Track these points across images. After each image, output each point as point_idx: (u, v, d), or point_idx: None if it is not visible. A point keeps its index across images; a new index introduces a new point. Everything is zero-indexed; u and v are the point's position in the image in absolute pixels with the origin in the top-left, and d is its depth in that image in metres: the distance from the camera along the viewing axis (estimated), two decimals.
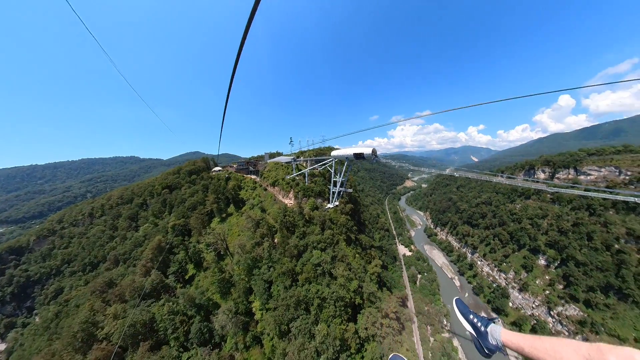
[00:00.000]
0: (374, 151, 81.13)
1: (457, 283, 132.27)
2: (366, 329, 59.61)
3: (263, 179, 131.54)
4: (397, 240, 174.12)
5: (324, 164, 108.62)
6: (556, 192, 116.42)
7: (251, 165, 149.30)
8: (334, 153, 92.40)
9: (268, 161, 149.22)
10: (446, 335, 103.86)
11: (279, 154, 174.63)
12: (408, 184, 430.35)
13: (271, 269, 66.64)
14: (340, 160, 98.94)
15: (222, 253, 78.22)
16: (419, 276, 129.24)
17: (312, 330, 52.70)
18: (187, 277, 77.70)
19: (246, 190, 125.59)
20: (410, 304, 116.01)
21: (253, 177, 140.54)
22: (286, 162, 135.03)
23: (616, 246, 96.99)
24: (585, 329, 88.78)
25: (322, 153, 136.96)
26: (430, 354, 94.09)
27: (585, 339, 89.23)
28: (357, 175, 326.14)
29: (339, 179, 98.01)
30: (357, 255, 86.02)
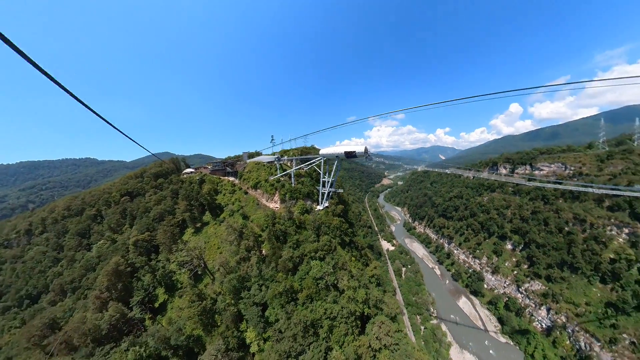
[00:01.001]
0: (366, 149, 71.57)
1: (438, 272, 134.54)
2: (378, 339, 52.11)
3: (243, 181, 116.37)
4: (379, 236, 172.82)
5: (311, 164, 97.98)
6: (543, 186, 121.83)
7: (229, 165, 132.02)
8: (323, 151, 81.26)
9: (247, 161, 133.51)
10: (434, 321, 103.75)
11: (258, 154, 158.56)
12: (385, 181, 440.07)
13: (263, 289, 55.14)
14: (329, 159, 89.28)
15: (199, 273, 63.90)
16: (404, 269, 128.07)
17: (328, 359, 43.23)
18: (156, 305, 62.09)
19: (224, 195, 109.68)
20: (399, 296, 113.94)
21: (231, 179, 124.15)
22: (268, 162, 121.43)
23: (566, 229, 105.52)
24: (547, 300, 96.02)
25: (307, 152, 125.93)
26: (422, 342, 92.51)
27: (548, 309, 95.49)
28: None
29: (328, 179, 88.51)
30: (352, 258, 78.33)
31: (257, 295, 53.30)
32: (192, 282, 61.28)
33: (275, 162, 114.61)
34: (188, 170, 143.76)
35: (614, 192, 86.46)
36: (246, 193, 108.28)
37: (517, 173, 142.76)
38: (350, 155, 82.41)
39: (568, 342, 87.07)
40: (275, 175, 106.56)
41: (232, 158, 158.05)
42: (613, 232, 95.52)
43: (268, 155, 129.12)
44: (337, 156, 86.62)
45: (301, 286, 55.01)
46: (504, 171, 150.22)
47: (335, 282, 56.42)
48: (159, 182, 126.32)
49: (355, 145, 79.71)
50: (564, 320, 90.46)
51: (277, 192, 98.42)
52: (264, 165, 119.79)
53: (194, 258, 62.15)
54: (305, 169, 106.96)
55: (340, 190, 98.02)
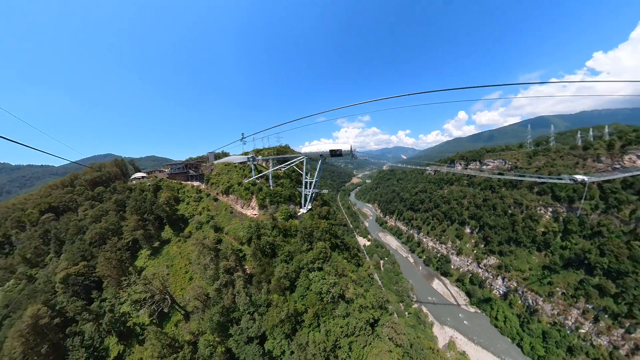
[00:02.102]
0: (351, 148, 64.33)
1: (411, 260, 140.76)
2: (392, 339, 46.71)
3: (211, 185, 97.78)
4: (355, 233, 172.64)
5: (291, 163, 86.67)
6: (490, 177, 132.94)
7: (192, 168, 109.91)
8: (305, 150, 70.34)
9: (215, 162, 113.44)
10: (416, 305, 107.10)
11: (225, 154, 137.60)
12: (354, 180, 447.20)
13: (257, 318, 43.70)
14: (311, 159, 79.52)
15: (165, 311, 48.07)
16: (382, 262, 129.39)
17: None
18: None
19: (188, 204, 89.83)
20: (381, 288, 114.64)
21: (196, 183, 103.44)
22: (240, 163, 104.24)
23: (509, 211, 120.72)
24: (501, 271, 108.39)
25: (283, 151, 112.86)
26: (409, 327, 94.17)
27: (503, 278, 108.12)
28: None
29: (311, 180, 78.86)
30: (345, 261, 71.78)
31: (250, 328, 41.78)
32: (156, 328, 45.37)
33: (249, 163, 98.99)
34: (138, 175, 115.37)
35: (540, 181, 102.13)
36: (216, 200, 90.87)
37: (470, 168, 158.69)
38: (335, 153, 74.84)
39: (520, 301, 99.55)
40: (250, 177, 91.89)
41: (195, 159, 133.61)
42: (541, 212, 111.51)
43: (239, 155, 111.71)
44: (321, 155, 77.93)
45: (305, 305, 45.54)
46: (459, 167, 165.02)
47: (342, 292, 48.65)
48: (97, 192, 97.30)
49: (342, 144, 73.45)
50: (515, 285, 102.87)
51: (253, 196, 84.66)
52: (235, 166, 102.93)
53: (156, 292, 46.19)
54: (284, 169, 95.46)
55: (325, 191, 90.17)
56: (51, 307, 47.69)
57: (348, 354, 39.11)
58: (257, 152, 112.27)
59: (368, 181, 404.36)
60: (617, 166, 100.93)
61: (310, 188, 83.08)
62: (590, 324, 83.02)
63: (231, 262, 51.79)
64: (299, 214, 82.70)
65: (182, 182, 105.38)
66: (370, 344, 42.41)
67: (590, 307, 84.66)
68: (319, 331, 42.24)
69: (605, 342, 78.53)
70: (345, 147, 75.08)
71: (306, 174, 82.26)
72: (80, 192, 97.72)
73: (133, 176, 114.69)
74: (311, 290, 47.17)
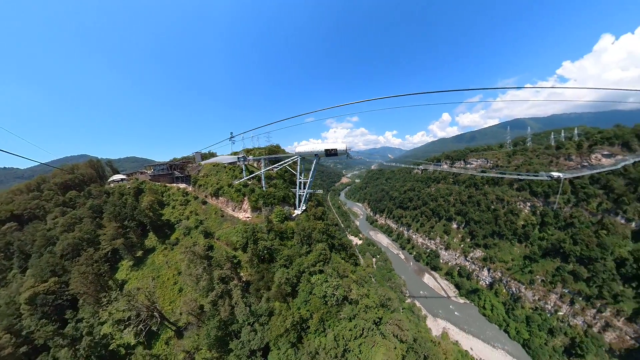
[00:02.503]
0: (347, 147, 62.51)
1: (402, 256, 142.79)
2: (395, 336, 45.66)
3: (198, 187, 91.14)
4: (347, 232, 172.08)
5: (284, 163, 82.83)
6: (474, 174, 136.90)
7: (177, 169, 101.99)
8: (299, 149, 67.14)
9: (202, 163, 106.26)
10: (409, 300, 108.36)
11: (212, 155, 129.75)
12: (344, 180, 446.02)
13: (259, 329, 40.16)
14: (305, 158, 76.36)
15: (155, 329, 42.94)
16: (374, 259, 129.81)
17: None
18: None
19: (174, 208, 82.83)
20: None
21: (182, 186, 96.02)
22: (230, 163, 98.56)
23: (492, 207, 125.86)
24: (487, 263, 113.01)
25: (275, 151, 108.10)
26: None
27: (488, 269, 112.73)
28: None
29: (305, 180, 75.94)
30: (343, 261, 69.60)
31: (252, 341, 38.23)
32: (144, 347, 40.28)
33: (240, 163, 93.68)
34: (117, 177, 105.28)
35: (521, 178, 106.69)
36: (205, 203, 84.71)
37: (455, 166, 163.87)
38: (330, 153, 71.68)
39: (505, 290, 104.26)
40: (241, 178, 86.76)
41: (180, 160, 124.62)
42: (521, 206, 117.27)
43: (229, 155, 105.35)
44: (315, 154, 74.74)
45: (309, 311, 42.67)
46: (445, 166, 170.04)
47: (346, 294, 46.37)
48: (69, 197, 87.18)
49: (337, 143, 70.11)
50: (500, 275, 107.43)
51: (245, 198, 79.82)
52: (225, 167, 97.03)
53: (142, 308, 40.97)
54: (276, 170, 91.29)
55: (319, 191, 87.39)
56: (16, 333, 40.75)
57: (358, 356, 37.12)
58: (248, 152, 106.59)
59: (357, 181, 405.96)
60: (586, 164, 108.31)
61: (304, 188, 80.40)
62: (567, 307, 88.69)
63: (226, 271, 47.57)
64: (294, 215, 79.85)
65: (167, 184, 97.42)
66: (377, 343, 40.93)
67: (566, 291, 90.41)
68: (325, 336, 39.75)
69: (580, 322, 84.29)
70: (340, 147, 72.84)
71: (300, 174, 79.64)
72: (49, 198, 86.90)
73: (111, 178, 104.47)
74: (314, 294, 44.44)
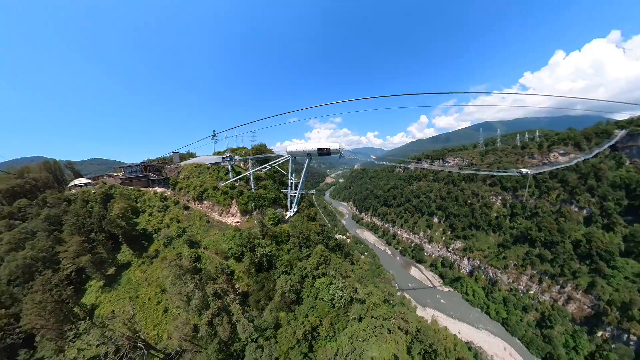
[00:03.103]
0: (339, 146, 59.70)
1: (389, 252, 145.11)
2: (401, 329, 44.45)
3: (179, 191, 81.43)
4: (334, 231, 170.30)
5: (274, 163, 77.42)
6: (452, 171, 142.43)
7: (153, 170, 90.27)
8: (291, 148, 62.72)
9: (182, 164, 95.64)
10: (399, 293, 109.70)
11: (192, 155, 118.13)
12: (328, 180, 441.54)
13: (265, 344, 35.20)
14: (297, 158, 71.75)
15: None
16: (362, 257, 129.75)
17: None
18: None
19: (150, 215, 72.56)
20: None
21: (159, 190, 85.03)
22: (213, 164, 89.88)
23: (469, 201, 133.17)
24: (466, 252, 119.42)
25: (262, 151, 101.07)
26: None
27: (468, 258, 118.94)
28: None
29: (298, 180, 71.56)
30: (340, 260, 66.61)
31: (260, 359, 33.29)
32: None
33: (225, 164, 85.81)
34: (79, 181, 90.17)
35: (494, 174, 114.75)
36: (187, 208, 75.72)
37: (433, 165, 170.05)
38: (323, 152, 68.30)
39: (483, 276, 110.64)
40: (227, 180, 79.27)
41: (155, 161, 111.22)
42: (493, 200, 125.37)
43: (212, 155, 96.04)
44: (308, 154, 70.57)
45: (318, 317, 38.96)
46: (425, 165, 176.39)
47: (352, 294, 43.43)
48: (17, 207, 72.08)
49: (330, 142, 67.22)
50: (478, 263, 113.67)
51: (233, 201, 73.02)
52: (208, 168, 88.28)
53: (121, 339, 33.52)
54: (264, 170, 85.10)
55: (312, 192, 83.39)
56: None
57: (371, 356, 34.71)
58: (233, 151, 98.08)
59: (341, 180, 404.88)
60: (546, 161, 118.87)
61: (297, 189, 75.84)
62: (536, 286, 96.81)
63: (222, 284, 41.47)
64: (286, 217, 74.94)
65: (142, 188, 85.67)
66: (386, 339, 39.17)
67: (535, 272, 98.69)
68: (335, 340, 36.59)
69: (547, 298, 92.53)
70: (334, 146, 69.62)
71: (291, 175, 74.80)
72: None
73: (72, 183, 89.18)
74: (321, 298, 40.96)
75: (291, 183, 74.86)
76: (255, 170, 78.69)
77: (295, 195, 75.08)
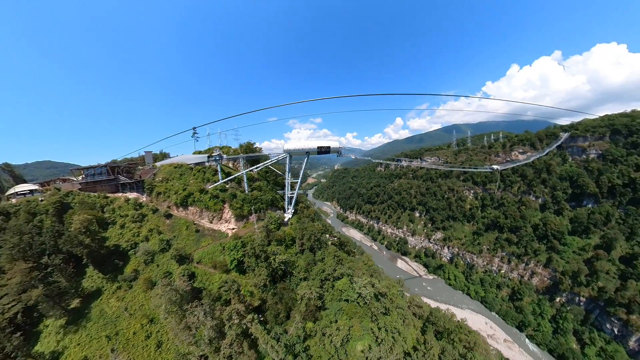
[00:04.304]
0: (339, 145, 56.05)
1: (375, 247, 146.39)
2: (414, 314, 44.04)
3: (157, 196, 67.96)
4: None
5: (269, 162, 69.31)
6: (430, 167, 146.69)
7: (123, 172, 73.94)
8: (288, 146, 55.93)
9: (158, 164, 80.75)
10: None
11: (165, 156, 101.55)
12: (310, 180, 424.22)
13: None
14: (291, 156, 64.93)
15: None
16: (364, 254, 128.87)
17: None
18: None
19: (123, 226, 58.51)
20: None
21: (132, 195, 69.76)
22: (196, 164, 77.44)
23: (446, 196, 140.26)
24: (446, 242, 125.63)
25: (250, 149, 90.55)
26: None
27: (448, 247, 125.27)
28: None
29: (295, 180, 65.07)
30: (351, 258, 62.21)
31: None
32: None
33: (212, 163, 74.58)
34: (21, 187, 69.97)
35: (464, 170, 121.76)
36: (169, 216, 63.28)
37: (411, 163, 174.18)
38: (322, 151, 63.79)
39: (462, 262, 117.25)
40: (215, 181, 68.66)
41: (122, 161, 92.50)
42: (467, 193, 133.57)
43: (195, 154, 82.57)
44: (307, 152, 64.55)
45: (348, 318, 34.62)
46: (405, 163, 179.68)
47: (378, 292, 40.11)
48: None
49: (330, 141, 64.36)
50: (457, 251, 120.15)
51: (226, 205, 63.36)
52: (191, 168, 75.79)
53: None
54: (256, 170, 76.05)
55: (310, 191, 77.36)
56: None
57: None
58: (211, 150, 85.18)
59: (323, 180, 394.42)
60: (508, 159, 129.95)
61: (294, 189, 69.09)
62: (506, 265, 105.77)
63: (236, 304, 33.38)
64: (286, 219, 67.91)
65: (108, 194, 69.58)
66: (410, 325, 37.32)
67: (504, 254, 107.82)
68: (364, 337, 32.88)
69: (516, 275, 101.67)
70: (333, 145, 64.81)
71: (288, 174, 67.72)
72: None
73: (11, 190, 68.89)
74: (346, 300, 36.65)
75: (288, 183, 68.00)
76: (249, 171, 69.54)
77: (292, 196, 68.47)
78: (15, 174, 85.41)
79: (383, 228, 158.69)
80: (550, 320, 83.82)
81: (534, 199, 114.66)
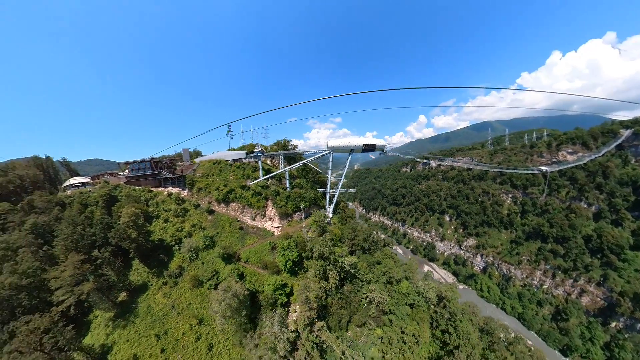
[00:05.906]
0: (384, 143, 48.81)
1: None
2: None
3: (198, 191, 64.58)
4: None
5: (310, 159, 62.76)
6: (464, 167, 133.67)
7: (165, 167, 71.82)
8: (332, 144, 46.41)
9: (198, 160, 78.32)
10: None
11: (198, 154, 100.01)
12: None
13: None
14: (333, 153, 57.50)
15: None
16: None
17: None
18: None
19: (166, 221, 55.39)
20: None
21: (174, 190, 67.28)
22: (235, 160, 73.58)
23: (479, 199, 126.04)
24: (479, 249, 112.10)
25: (285, 147, 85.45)
26: None
27: (481, 255, 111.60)
28: None
29: (337, 178, 57.52)
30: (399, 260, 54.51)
31: None
32: None
33: (250, 160, 70.36)
34: (76, 180, 70.22)
35: (502, 172, 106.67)
36: (211, 212, 59.32)
37: (443, 165, 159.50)
38: (367, 148, 57.46)
39: (497, 272, 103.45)
40: (255, 178, 63.99)
41: (162, 158, 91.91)
42: (504, 197, 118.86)
43: (233, 150, 79.19)
44: (351, 149, 58.25)
45: (416, 321, 27.87)
46: (434, 164, 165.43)
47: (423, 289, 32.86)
48: None
49: (375, 139, 57.46)
50: (492, 260, 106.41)
51: (269, 203, 58.06)
52: (230, 165, 71.99)
53: None
54: (294, 167, 70.64)
55: (352, 190, 70.74)
56: None
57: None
58: (251, 147, 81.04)
59: (344, 180, 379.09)
60: (554, 160, 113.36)
61: (337, 188, 62.61)
62: (550, 280, 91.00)
63: (307, 311, 27.23)
64: (329, 219, 61.53)
65: (152, 188, 67.67)
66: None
67: (548, 267, 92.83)
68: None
69: (561, 292, 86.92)
70: (379, 142, 57.91)
71: (331, 171, 61.44)
72: None
73: (67, 182, 69.20)
74: (412, 304, 29.50)
75: (329, 181, 61.84)
76: (290, 168, 64.18)
77: (333, 195, 62.04)
78: (71, 168, 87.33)
79: (409, 231, 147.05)
80: (602, 348, 70.01)
81: (586, 206, 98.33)
